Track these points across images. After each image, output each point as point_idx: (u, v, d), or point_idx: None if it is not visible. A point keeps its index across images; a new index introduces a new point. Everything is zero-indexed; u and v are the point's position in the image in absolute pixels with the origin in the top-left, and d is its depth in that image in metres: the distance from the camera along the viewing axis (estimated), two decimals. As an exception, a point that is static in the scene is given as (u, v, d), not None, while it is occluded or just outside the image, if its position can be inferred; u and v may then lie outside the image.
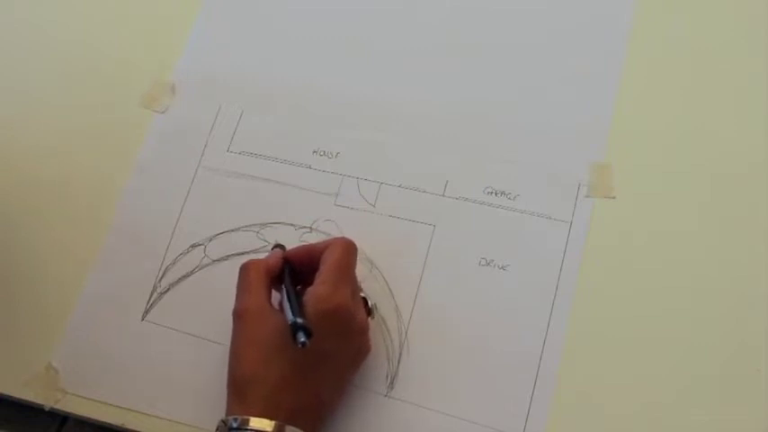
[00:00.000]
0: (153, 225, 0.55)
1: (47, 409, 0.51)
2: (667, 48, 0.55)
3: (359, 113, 0.57)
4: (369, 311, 0.49)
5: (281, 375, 0.43)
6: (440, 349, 0.49)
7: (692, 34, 0.55)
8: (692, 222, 0.50)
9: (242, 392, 0.44)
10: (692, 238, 0.50)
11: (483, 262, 0.51)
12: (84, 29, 0.62)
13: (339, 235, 0.52)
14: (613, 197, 0.51)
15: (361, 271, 0.51)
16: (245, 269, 0.47)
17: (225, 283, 0.53)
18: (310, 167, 0.55)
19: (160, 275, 0.54)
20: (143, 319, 0.53)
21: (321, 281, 0.45)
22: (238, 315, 0.46)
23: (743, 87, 0.53)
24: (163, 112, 0.59)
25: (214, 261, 0.54)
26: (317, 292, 0.44)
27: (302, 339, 0.41)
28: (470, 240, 0.52)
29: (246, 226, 0.54)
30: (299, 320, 0.42)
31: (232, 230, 0.54)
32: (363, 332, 0.47)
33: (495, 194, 0.53)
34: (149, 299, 0.53)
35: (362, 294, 0.49)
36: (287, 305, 0.44)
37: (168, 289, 0.53)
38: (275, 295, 0.48)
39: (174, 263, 0.54)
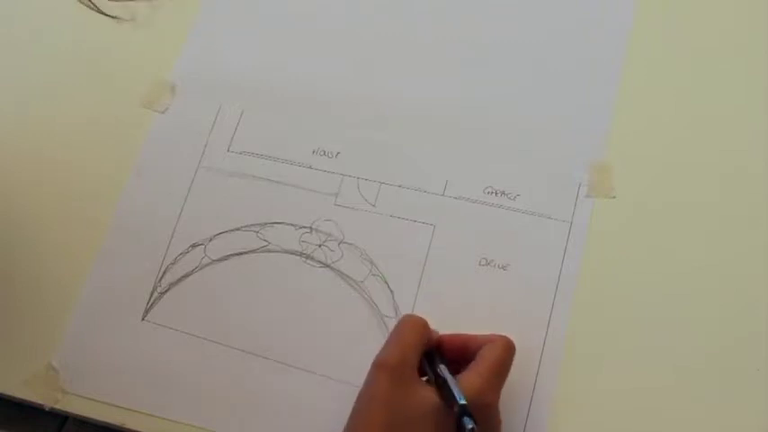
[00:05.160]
0: (153, 225, 0.55)
1: (47, 409, 0.51)
2: (667, 48, 0.55)
3: (359, 113, 0.57)
4: None
5: None
6: (440, 349, 0.49)
7: (692, 34, 0.55)
8: (692, 222, 0.50)
9: None
10: (692, 237, 0.50)
11: (483, 262, 0.51)
12: (84, 29, 0.62)
13: (340, 235, 0.52)
14: (613, 197, 0.51)
15: (361, 271, 0.51)
16: (408, 323, 0.45)
17: (225, 283, 0.53)
18: (310, 167, 0.55)
19: (160, 275, 0.54)
20: (143, 319, 0.53)
21: (478, 373, 0.43)
22: (385, 366, 0.43)
23: (743, 87, 0.53)
24: (163, 112, 0.59)
25: (214, 261, 0.54)
26: (474, 384, 0.42)
27: (470, 426, 0.40)
28: (470, 240, 0.52)
29: (246, 226, 0.54)
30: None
31: (232, 230, 0.54)
32: None
33: (495, 194, 0.53)
34: (149, 299, 0.53)
35: None
36: (454, 386, 0.42)
37: (168, 289, 0.53)
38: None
39: (174, 263, 0.54)
